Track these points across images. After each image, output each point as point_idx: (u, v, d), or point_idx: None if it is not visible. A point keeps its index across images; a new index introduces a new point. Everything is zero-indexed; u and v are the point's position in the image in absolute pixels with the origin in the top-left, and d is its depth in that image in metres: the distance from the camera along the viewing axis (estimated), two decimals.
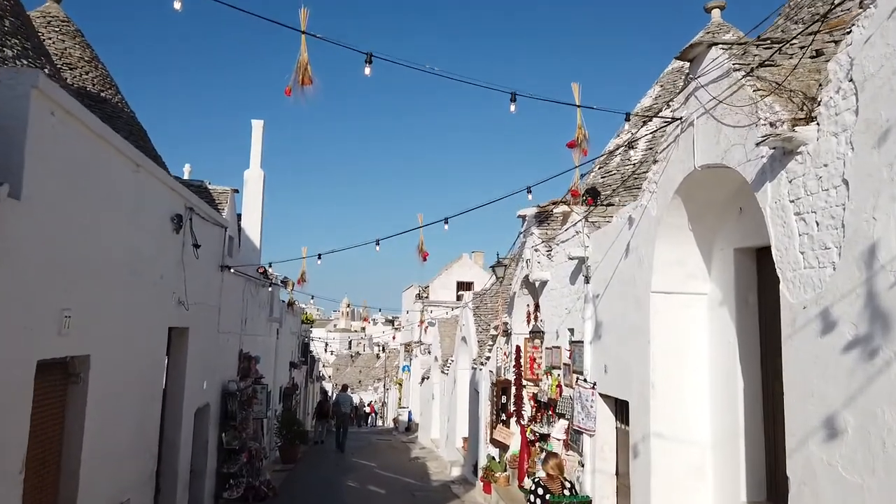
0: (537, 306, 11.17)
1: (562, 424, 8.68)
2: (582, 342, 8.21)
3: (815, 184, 4.02)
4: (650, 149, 10.79)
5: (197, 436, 9.95)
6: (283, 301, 21.42)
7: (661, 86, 11.81)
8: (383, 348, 66.34)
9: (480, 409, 15.00)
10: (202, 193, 16.74)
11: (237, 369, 12.28)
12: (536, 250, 10.56)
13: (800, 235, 4.17)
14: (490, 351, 14.32)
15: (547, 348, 9.86)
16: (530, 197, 6.69)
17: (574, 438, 8.26)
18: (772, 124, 4.40)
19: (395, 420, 35.71)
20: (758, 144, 4.50)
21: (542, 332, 10.09)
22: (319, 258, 9.04)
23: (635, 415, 6.69)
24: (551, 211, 11.09)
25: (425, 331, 27.12)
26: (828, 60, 4.24)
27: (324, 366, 50.39)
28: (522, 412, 11.95)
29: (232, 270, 10.48)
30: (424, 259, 8.10)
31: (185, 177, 17.19)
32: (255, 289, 14.04)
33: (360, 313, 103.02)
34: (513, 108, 5.19)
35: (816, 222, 4.00)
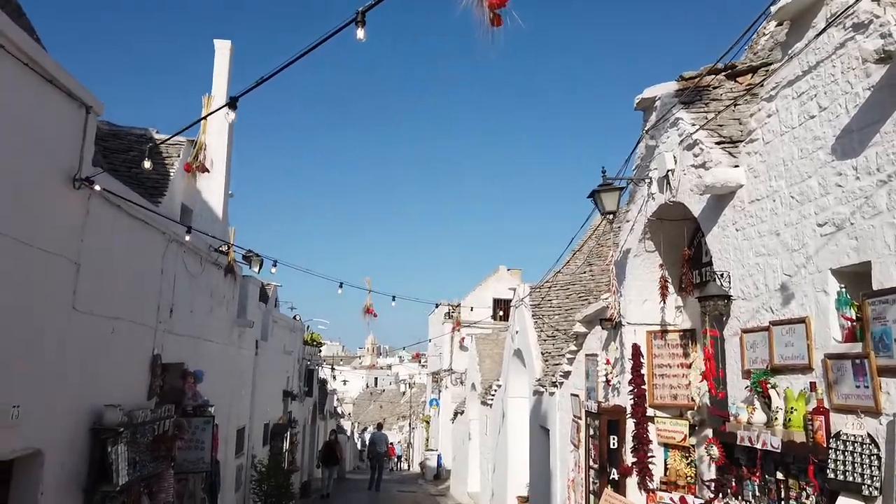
0: (687, 259, 5.85)
1: None
2: None
3: None
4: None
5: None
6: (271, 305, 16.34)
7: None
8: (409, 384, 60.97)
9: (554, 456, 9.55)
10: (144, 143, 11.96)
11: (147, 386, 7.12)
12: (692, 146, 5.31)
13: None
14: (571, 363, 8.94)
15: (746, 330, 4.50)
16: None
17: None
18: None
19: (422, 465, 30.03)
20: None
21: (726, 300, 4.74)
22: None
23: None
24: (708, 84, 5.86)
25: (460, 345, 21.76)
26: None
27: (339, 400, 45.07)
28: (650, 466, 6.55)
29: (97, 188, 5.36)
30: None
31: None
32: (199, 265, 8.96)
33: (386, 350, 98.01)
34: None
35: None
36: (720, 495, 4.55)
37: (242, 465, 12.46)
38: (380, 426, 25.94)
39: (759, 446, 4.03)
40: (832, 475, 3.40)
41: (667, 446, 6.69)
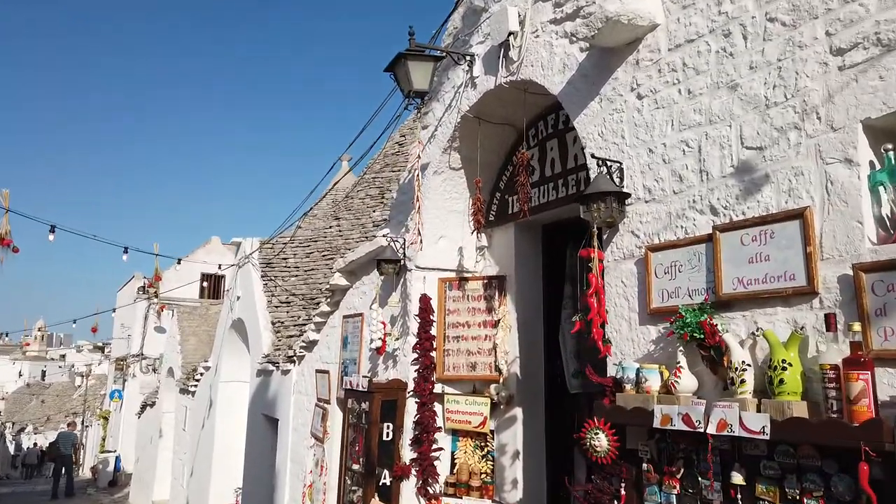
0: (525, 165, 4.12)
1: None
2: None
3: None
4: None
5: None
6: None
7: None
8: (85, 375, 51.88)
9: (283, 455, 7.23)
10: None
11: None
12: None
13: None
14: (320, 329, 6.72)
15: (655, 248, 2.85)
16: None
17: None
18: None
19: (94, 470, 24.74)
20: None
21: (619, 201, 3.05)
22: None
23: None
24: None
25: (158, 315, 17.90)
26: None
27: None
28: (434, 462, 4.74)
29: None
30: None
31: None
32: None
33: (60, 338, 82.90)
34: None
35: None
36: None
37: None
38: (72, 425, 24.65)
39: (710, 430, 2.36)
40: None
41: (456, 434, 4.95)
